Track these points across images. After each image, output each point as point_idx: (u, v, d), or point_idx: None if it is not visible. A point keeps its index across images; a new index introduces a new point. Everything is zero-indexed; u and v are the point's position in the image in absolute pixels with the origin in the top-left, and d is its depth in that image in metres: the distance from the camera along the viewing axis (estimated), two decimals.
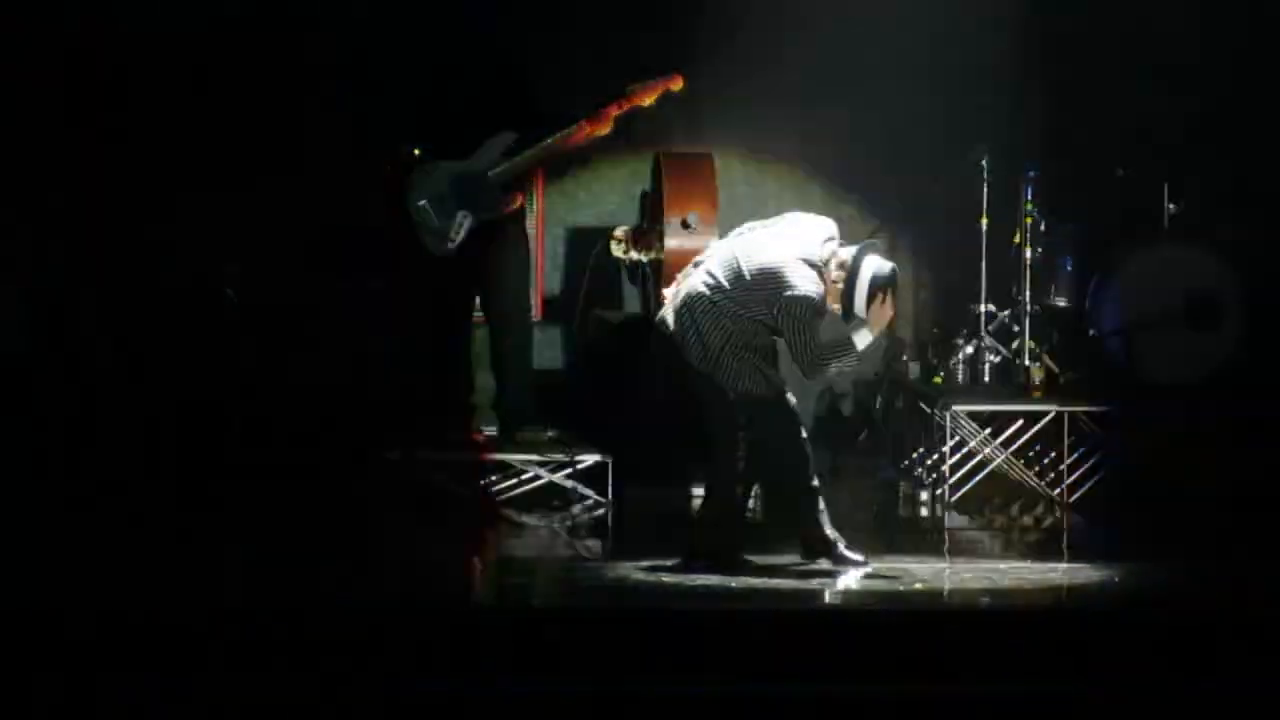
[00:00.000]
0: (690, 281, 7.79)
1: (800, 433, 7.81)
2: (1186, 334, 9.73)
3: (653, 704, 6.12)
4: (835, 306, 7.68)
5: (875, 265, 7.67)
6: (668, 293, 7.92)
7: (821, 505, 7.81)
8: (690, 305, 7.72)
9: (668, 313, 7.80)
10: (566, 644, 6.28)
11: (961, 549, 8.49)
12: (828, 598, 7.23)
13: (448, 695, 6.05)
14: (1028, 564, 8.04)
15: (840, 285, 7.66)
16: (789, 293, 7.58)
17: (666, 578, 7.48)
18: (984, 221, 10.06)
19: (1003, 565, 7.99)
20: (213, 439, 9.43)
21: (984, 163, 10.02)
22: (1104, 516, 9.16)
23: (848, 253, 7.70)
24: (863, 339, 7.70)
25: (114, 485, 9.08)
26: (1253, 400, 9.34)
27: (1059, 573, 7.78)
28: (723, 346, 7.66)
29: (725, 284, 7.68)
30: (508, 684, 6.10)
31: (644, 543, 8.29)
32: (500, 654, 6.19)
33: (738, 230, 7.89)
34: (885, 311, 7.71)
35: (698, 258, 7.92)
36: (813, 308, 7.59)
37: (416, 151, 9.36)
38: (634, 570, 7.66)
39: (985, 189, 10.06)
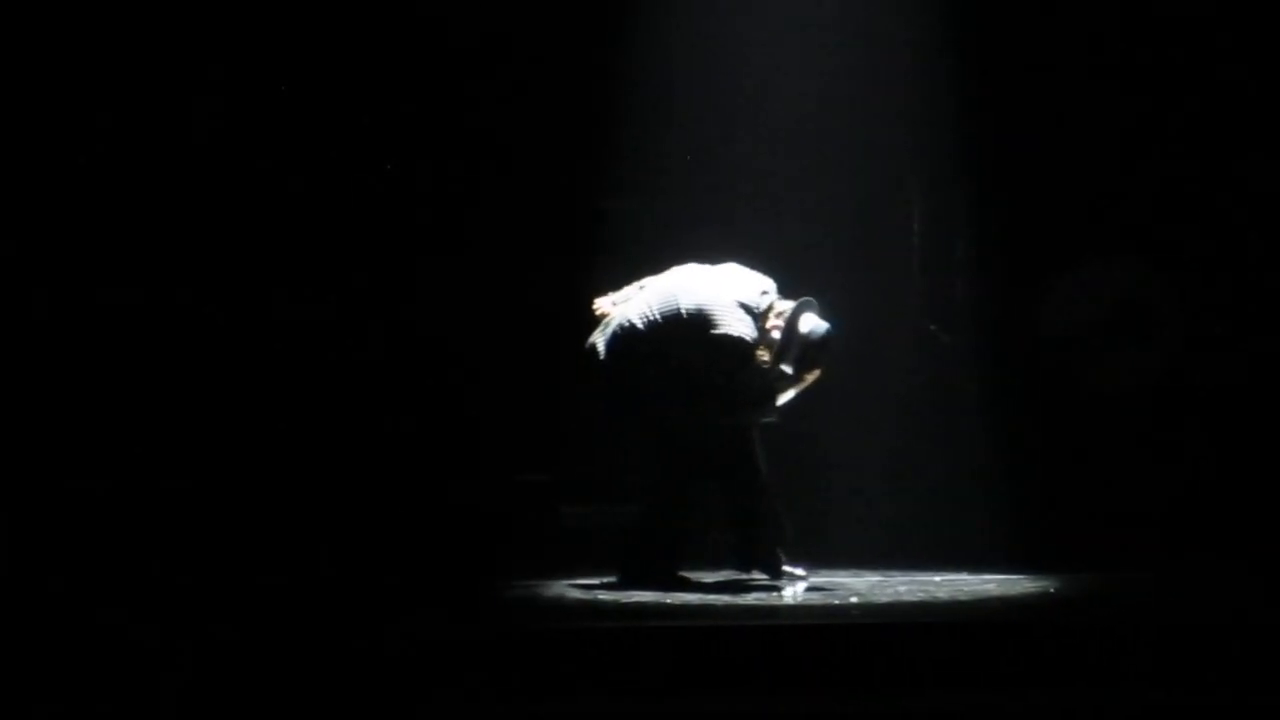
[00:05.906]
0: (626, 309, 7.75)
1: (748, 451, 7.80)
2: (1122, 346, 9.76)
3: None
4: (765, 355, 7.66)
5: (812, 323, 7.66)
6: (603, 304, 7.88)
7: (762, 521, 7.83)
8: (622, 335, 7.69)
9: (598, 339, 7.78)
10: (504, 664, 6.27)
11: (896, 561, 8.50)
12: (764, 613, 7.23)
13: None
14: (964, 575, 8.09)
15: (775, 335, 7.65)
16: (719, 330, 7.56)
17: (603, 595, 7.49)
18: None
19: (938, 578, 8.02)
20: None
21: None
22: (1039, 527, 9.18)
23: (786, 305, 7.68)
24: (785, 394, 7.68)
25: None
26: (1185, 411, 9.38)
27: (995, 584, 7.80)
28: (654, 375, 7.63)
29: (659, 319, 7.65)
30: (445, 706, 6.10)
31: (582, 561, 8.31)
32: (437, 675, 6.17)
33: (681, 266, 7.83)
34: (814, 370, 7.69)
35: (640, 282, 7.89)
36: (741, 351, 7.57)
37: None
38: (569, 589, 7.68)
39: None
